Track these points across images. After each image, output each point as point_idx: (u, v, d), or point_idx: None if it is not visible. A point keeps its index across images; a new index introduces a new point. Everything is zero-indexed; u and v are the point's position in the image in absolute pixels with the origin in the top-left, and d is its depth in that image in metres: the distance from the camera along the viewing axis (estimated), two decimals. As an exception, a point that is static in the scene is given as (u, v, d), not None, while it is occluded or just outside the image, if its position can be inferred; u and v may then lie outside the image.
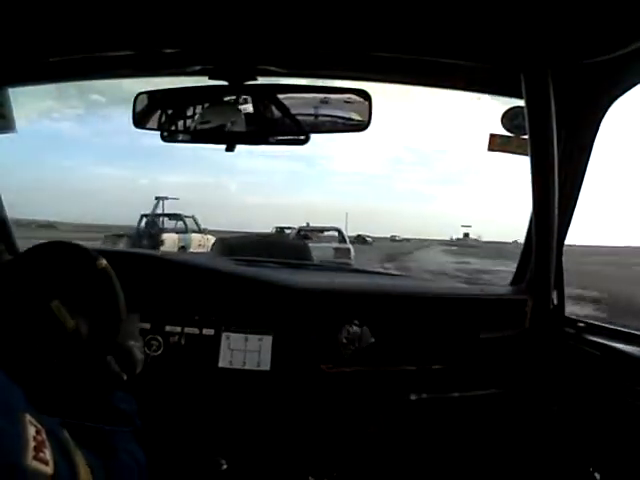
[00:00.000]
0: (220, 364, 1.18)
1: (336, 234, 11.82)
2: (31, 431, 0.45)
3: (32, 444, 0.44)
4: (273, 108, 1.14)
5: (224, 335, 1.19)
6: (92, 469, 0.54)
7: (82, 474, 0.51)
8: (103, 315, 1.01)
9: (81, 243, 1.11)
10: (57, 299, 0.98)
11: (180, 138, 1.23)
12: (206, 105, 1.16)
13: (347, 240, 11.54)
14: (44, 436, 0.46)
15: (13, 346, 1.00)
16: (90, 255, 1.08)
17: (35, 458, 0.44)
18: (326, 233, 12.19)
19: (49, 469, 0.45)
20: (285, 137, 1.21)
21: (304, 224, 12.99)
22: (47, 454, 0.45)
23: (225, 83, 1.14)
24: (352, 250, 10.21)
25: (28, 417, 0.45)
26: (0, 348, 0.98)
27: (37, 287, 1.06)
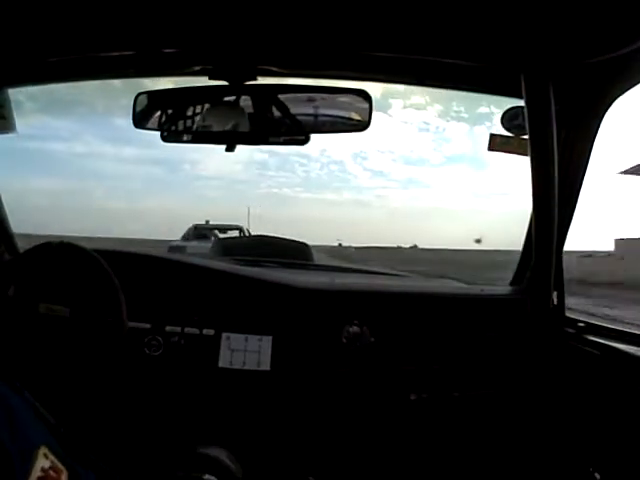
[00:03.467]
0: (220, 364, 1.18)
1: (237, 233, 10.59)
2: (42, 463, 0.43)
3: (37, 474, 0.43)
4: (273, 108, 1.14)
5: (224, 335, 1.19)
6: None
7: None
8: (104, 302, 1.02)
9: (79, 243, 1.12)
10: (45, 301, 0.99)
11: (181, 138, 1.23)
12: (206, 105, 1.16)
13: (249, 240, 10.64)
14: (63, 477, 0.45)
15: (19, 346, 1.00)
16: (89, 254, 1.08)
17: None
18: (229, 232, 10.81)
19: None
20: (285, 137, 1.21)
21: (202, 222, 11.66)
22: None
23: (225, 83, 1.14)
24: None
25: (44, 451, 0.44)
26: (3, 347, 0.98)
27: (37, 286, 1.06)
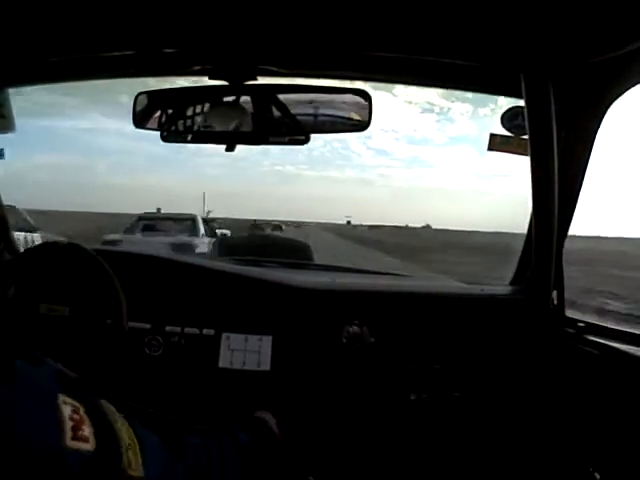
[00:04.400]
0: (220, 364, 1.18)
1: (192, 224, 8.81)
2: (67, 411, 0.45)
3: (69, 424, 0.44)
4: (273, 108, 1.14)
5: (224, 335, 1.19)
6: (142, 442, 0.53)
7: (126, 442, 0.51)
8: (104, 303, 1.02)
9: (80, 243, 1.12)
10: (45, 301, 0.99)
11: (181, 138, 1.23)
12: (207, 105, 1.16)
13: (200, 232, 8.64)
14: (82, 413, 0.46)
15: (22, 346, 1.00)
16: (88, 253, 1.08)
17: (74, 438, 0.44)
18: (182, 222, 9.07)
19: (89, 445, 0.45)
20: (285, 137, 1.21)
21: (154, 210, 9.99)
22: (87, 431, 0.45)
23: (225, 83, 1.14)
24: (202, 245, 7.65)
25: (62, 398, 0.45)
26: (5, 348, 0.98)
27: (38, 286, 1.06)
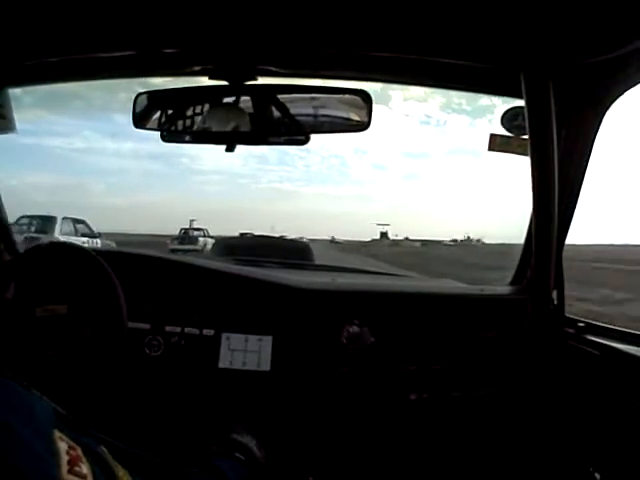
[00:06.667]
0: (220, 365, 1.18)
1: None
2: (63, 446, 0.44)
3: (66, 458, 0.44)
4: (273, 108, 1.14)
5: (224, 335, 1.19)
6: None
7: None
8: (104, 304, 1.02)
9: (78, 243, 1.12)
10: (44, 302, 0.99)
11: (181, 138, 1.23)
12: (206, 105, 1.16)
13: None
14: (79, 452, 0.46)
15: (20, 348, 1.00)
16: (89, 254, 1.08)
17: (70, 472, 0.43)
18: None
19: None
20: (285, 137, 1.21)
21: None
22: (84, 468, 0.45)
23: (225, 83, 1.14)
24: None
25: (58, 434, 0.45)
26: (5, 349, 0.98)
27: (38, 286, 1.06)
